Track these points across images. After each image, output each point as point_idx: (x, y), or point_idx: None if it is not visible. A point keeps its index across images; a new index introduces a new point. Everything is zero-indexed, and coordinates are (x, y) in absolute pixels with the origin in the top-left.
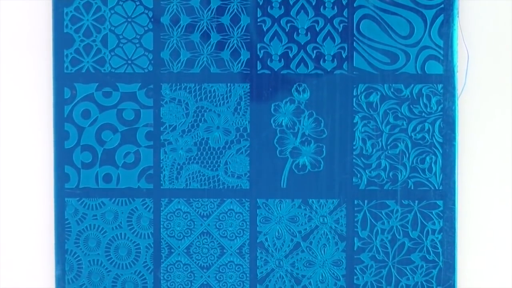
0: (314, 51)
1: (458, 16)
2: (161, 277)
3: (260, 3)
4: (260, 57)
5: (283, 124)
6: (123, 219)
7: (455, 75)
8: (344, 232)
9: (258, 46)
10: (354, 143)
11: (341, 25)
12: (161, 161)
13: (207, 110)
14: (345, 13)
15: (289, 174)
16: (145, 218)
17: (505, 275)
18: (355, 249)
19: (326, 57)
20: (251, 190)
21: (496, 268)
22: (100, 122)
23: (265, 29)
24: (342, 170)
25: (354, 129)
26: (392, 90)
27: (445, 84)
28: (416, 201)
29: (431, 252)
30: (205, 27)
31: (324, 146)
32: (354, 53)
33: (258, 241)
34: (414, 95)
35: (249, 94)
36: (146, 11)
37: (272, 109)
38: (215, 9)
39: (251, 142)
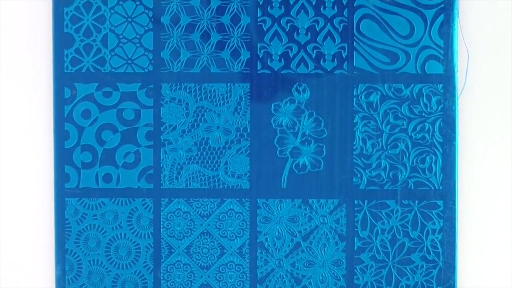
0: (314, 51)
1: (458, 16)
2: (161, 277)
3: (260, 3)
4: (260, 57)
5: (283, 124)
6: (123, 219)
7: (455, 75)
8: (344, 232)
9: (258, 46)
10: (354, 143)
11: (341, 25)
12: (161, 161)
13: (207, 110)
14: (345, 13)
15: (289, 174)
16: (145, 218)
17: (505, 275)
18: (355, 249)
19: (326, 57)
20: (251, 190)
21: (496, 268)
22: (100, 122)
23: (265, 29)
24: (342, 170)
25: (354, 129)
26: (392, 90)
27: (445, 84)
28: (416, 201)
29: (431, 252)
30: (205, 27)
31: (324, 146)
32: (354, 53)
33: (258, 241)
34: (414, 95)
35: (249, 94)
36: (146, 11)
37: (272, 109)
38: (215, 9)
39: (251, 142)
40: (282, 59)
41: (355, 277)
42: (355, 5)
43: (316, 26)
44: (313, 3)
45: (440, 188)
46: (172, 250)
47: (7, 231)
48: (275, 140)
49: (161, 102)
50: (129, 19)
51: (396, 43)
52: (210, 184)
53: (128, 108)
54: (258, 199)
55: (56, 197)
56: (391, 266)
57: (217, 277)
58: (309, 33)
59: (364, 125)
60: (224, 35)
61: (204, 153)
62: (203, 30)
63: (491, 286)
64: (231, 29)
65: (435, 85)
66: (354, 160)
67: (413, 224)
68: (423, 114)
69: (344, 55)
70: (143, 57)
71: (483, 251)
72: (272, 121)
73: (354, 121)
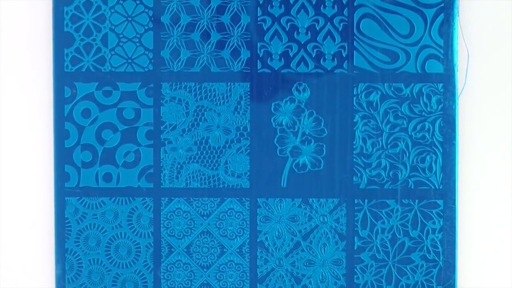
0: (314, 50)
1: (458, 15)
2: (161, 276)
3: (260, 2)
4: (260, 56)
5: (283, 123)
6: (123, 218)
7: (455, 74)
8: (344, 231)
9: (258, 45)
10: (354, 142)
11: (341, 24)
12: (161, 160)
13: (207, 109)
14: (345, 12)
15: (289, 173)
16: (145, 217)
17: (505, 274)
18: (355, 248)
19: (326, 56)
20: (251, 189)
21: (496, 267)
22: (100, 121)
23: (265, 28)
24: (342, 169)
25: (354, 128)
26: (392, 89)
27: (445, 83)
28: (416, 200)
29: (431, 252)
30: (205, 26)
31: (324, 145)
32: (354, 52)
33: (258, 240)
34: (414, 94)
35: (249, 93)
36: (146, 10)
37: (272, 108)
38: (215, 8)
39: (251, 141)
40: (282, 58)
41: (355, 276)
42: (355, 4)
43: (316, 25)
44: (313, 3)
45: (440, 187)
46: (172, 250)
47: (7, 230)
48: (275, 140)
49: (161, 101)
50: (129, 19)
51: (396, 43)
52: (210, 183)
53: (128, 107)
54: (258, 199)
55: (56, 196)
56: (391, 266)
57: (217, 277)
58: (309, 32)
59: (364, 124)
60: (224, 35)
61: (204, 152)
62: (203, 30)
63: (491, 286)
64: (231, 28)
65: (435, 84)
66: (354, 160)
67: (413, 224)
68: (423, 113)
69: (344, 55)
70: (143, 56)
71: (483, 251)
72: (272, 120)
73: (354, 120)
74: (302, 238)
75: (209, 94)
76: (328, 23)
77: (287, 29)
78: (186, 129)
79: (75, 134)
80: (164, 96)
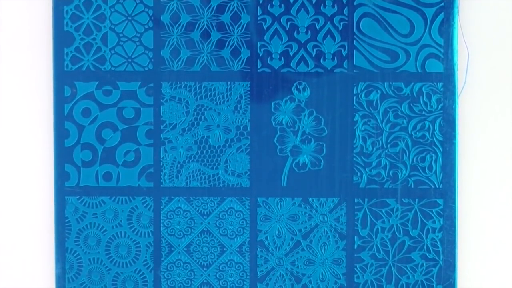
0: (314, 50)
1: (458, 15)
2: (161, 275)
3: (260, 1)
4: (260, 55)
5: (283, 122)
6: (123, 218)
7: (455, 73)
8: (344, 231)
9: (258, 44)
10: (354, 142)
11: (341, 24)
12: (161, 160)
13: (207, 109)
14: (345, 11)
15: (289, 172)
16: (145, 217)
17: (505, 274)
18: (355, 247)
19: (326, 56)
20: (251, 188)
21: (496, 267)
22: (100, 121)
23: (265, 28)
24: (342, 169)
25: (354, 128)
26: (392, 88)
27: (445, 82)
28: (416, 200)
29: (431, 251)
30: (205, 26)
31: (324, 145)
32: (354, 51)
33: (258, 239)
34: (414, 93)
35: (249, 92)
36: (146, 10)
37: (272, 108)
38: (215, 7)
39: (251, 140)
40: (282, 57)
41: (355, 275)
42: (355, 3)
43: (316, 24)
44: (313, 2)
45: (440, 186)
46: (172, 249)
47: (7, 229)
48: (275, 139)
49: (161, 100)
50: (129, 18)
51: (396, 42)
52: (210, 182)
53: (128, 106)
54: (258, 198)
55: (56, 195)
56: (391, 265)
57: (217, 276)
58: (309, 31)
59: (364, 123)
60: (224, 34)
61: (204, 151)
62: (203, 29)
63: (491, 285)
64: (231, 27)
65: (435, 83)
66: (354, 159)
67: (413, 223)
68: (423, 112)
69: (344, 54)
70: (143, 56)
71: (483, 250)
72: (272, 120)
73: (354, 119)
74: (302, 238)
75: (209, 93)
76: (328, 22)
77: (287, 29)
78: (186, 128)
79: (75, 133)
80: (164, 96)
